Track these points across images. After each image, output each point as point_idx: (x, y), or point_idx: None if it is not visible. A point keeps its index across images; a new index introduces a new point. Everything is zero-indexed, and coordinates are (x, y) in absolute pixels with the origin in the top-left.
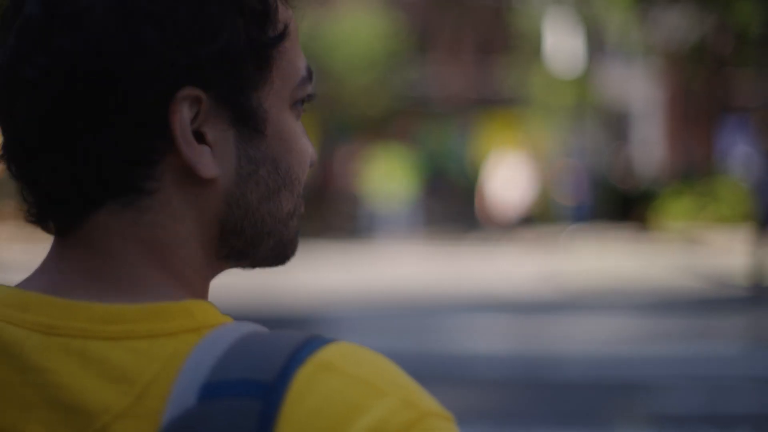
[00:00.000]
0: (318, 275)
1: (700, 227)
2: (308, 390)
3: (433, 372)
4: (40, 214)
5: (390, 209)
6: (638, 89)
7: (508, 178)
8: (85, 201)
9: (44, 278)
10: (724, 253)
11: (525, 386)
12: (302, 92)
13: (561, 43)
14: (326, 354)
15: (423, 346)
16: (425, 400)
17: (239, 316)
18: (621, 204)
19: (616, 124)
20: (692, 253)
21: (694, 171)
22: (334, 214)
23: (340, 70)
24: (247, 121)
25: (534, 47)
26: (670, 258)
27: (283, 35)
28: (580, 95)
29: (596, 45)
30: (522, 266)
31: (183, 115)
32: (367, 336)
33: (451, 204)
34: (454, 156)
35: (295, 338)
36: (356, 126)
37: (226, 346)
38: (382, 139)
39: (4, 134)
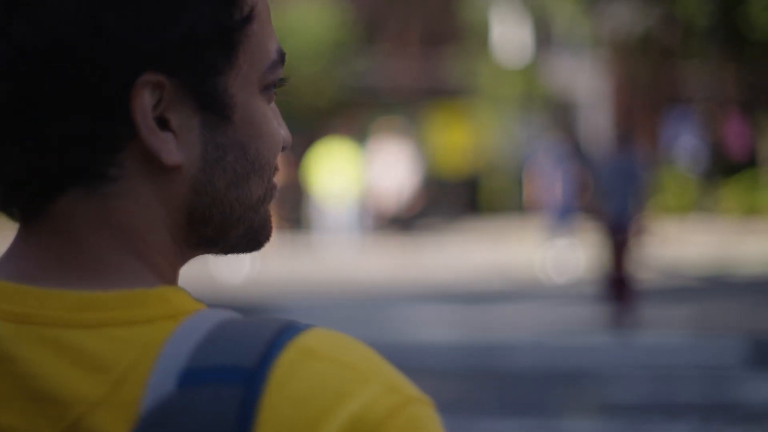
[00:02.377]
0: (266, 266)
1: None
2: (290, 376)
3: None
4: (4, 201)
5: (336, 201)
6: (585, 80)
7: (386, 167)
8: (46, 187)
9: (11, 266)
10: (669, 244)
11: (474, 376)
12: (273, 76)
13: (508, 34)
14: (307, 339)
15: (371, 337)
16: (407, 385)
17: None
18: None
19: (563, 115)
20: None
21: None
22: (280, 204)
23: (287, 60)
24: (213, 107)
25: (481, 38)
26: None
27: (249, 17)
28: (527, 86)
29: (543, 36)
30: (469, 255)
31: (144, 101)
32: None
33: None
34: None
35: (274, 324)
36: (303, 117)
37: (204, 333)
38: (328, 130)
39: None
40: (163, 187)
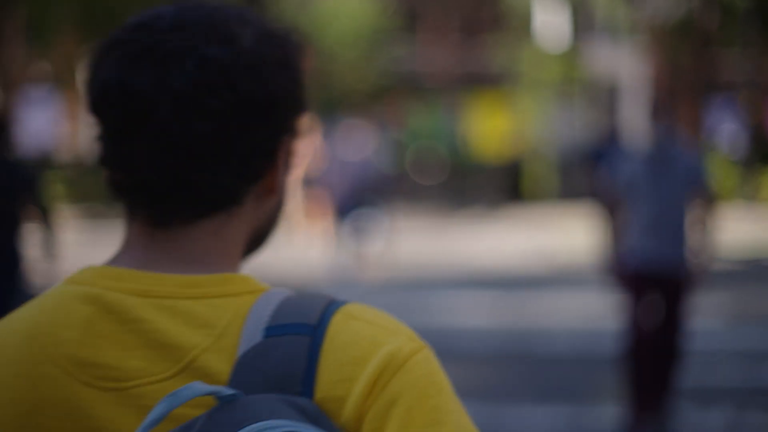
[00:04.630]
0: (307, 250)
1: None
2: (339, 331)
3: None
4: (133, 206)
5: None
6: (625, 66)
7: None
8: (203, 208)
9: (132, 258)
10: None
11: (511, 361)
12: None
13: (549, 20)
14: (348, 308)
15: (409, 322)
16: (419, 338)
17: None
18: None
19: (604, 101)
20: None
21: None
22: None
23: (329, 46)
24: (291, 160)
25: (522, 24)
26: None
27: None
28: (567, 71)
29: (584, 22)
30: (510, 242)
31: (286, 146)
32: None
33: (440, 180)
34: (443, 133)
35: (324, 297)
36: (343, 102)
37: (277, 302)
38: (370, 115)
39: (125, 136)
40: (258, 211)
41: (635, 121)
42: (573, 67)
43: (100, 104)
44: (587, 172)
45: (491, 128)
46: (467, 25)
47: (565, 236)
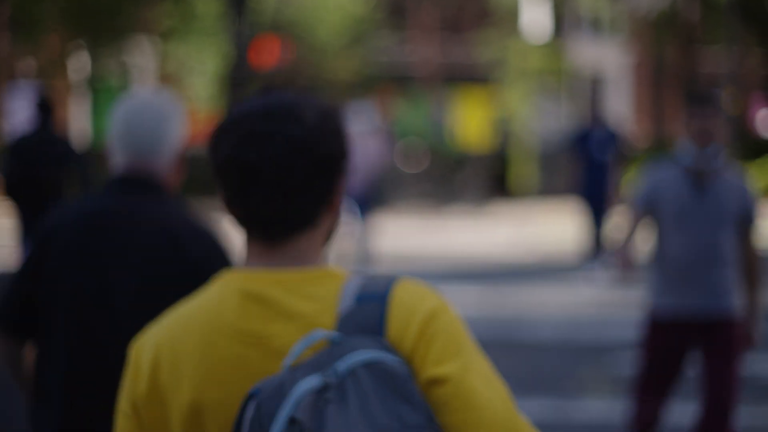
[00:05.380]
0: None
1: None
2: (399, 295)
3: None
4: (250, 231)
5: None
6: (609, 59)
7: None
8: (298, 227)
9: (257, 263)
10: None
11: (498, 348)
12: None
13: (534, 12)
14: (403, 281)
15: None
16: (446, 299)
17: None
18: None
19: (588, 94)
20: None
21: (664, 143)
22: None
23: (316, 38)
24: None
25: (509, 17)
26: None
27: None
28: (552, 63)
29: (568, 16)
30: (495, 233)
31: (341, 182)
32: None
33: (426, 172)
34: (430, 126)
35: (388, 276)
36: (328, 89)
37: (360, 281)
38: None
39: (243, 191)
40: (329, 223)
41: (619, 114)
42: (557, 59)
43: (223, 171)
44: (570, 157)
45: (477, 121)
46: (454, 18)
47: (549, 227)
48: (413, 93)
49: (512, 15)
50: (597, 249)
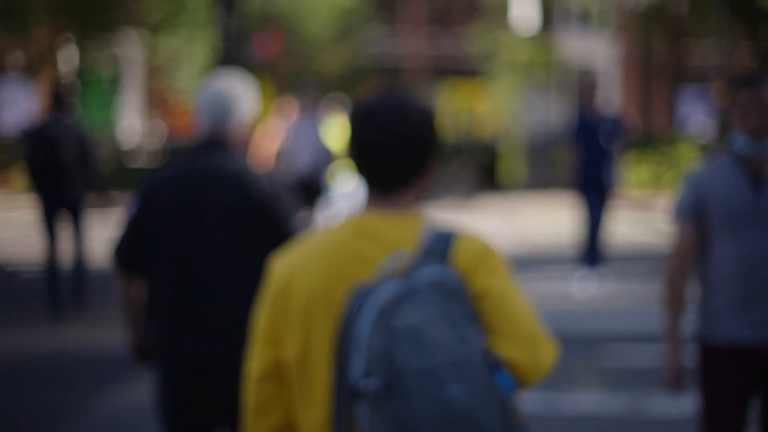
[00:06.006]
0: None
1: (657, 193)
2: (463, 234)
3: None
4: (371, 183)
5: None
6: (599, 52)
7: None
8: (403, 184)
9: (374, 206)
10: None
11: None
12: None
13: (522, 4)
14: (464, 232)
15: None
16: (491, 241)
17: None
18: None
19: (577, 87)
20: (648, 216)
21: (653, 137)
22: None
23: (306, 28)
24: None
25: (498, 8)
26: (630, 219)
27: None
28: (541, 55)
29: (558, 8)
30: (485, 225)
31: (435, 157)
32: None
33: None
34: None
35: (453, 226)
36: (320, 84)
37: (437, 224)
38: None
39: (371, 158)
40: (424, 183)
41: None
42: (546, 52)
43: (358, 146)
44: (570, 148)
45: (466, 113)
46: (443, 11)
47: (538, 219)
48: (402, 85)
49: (501, 8)
50: (594, 253)
